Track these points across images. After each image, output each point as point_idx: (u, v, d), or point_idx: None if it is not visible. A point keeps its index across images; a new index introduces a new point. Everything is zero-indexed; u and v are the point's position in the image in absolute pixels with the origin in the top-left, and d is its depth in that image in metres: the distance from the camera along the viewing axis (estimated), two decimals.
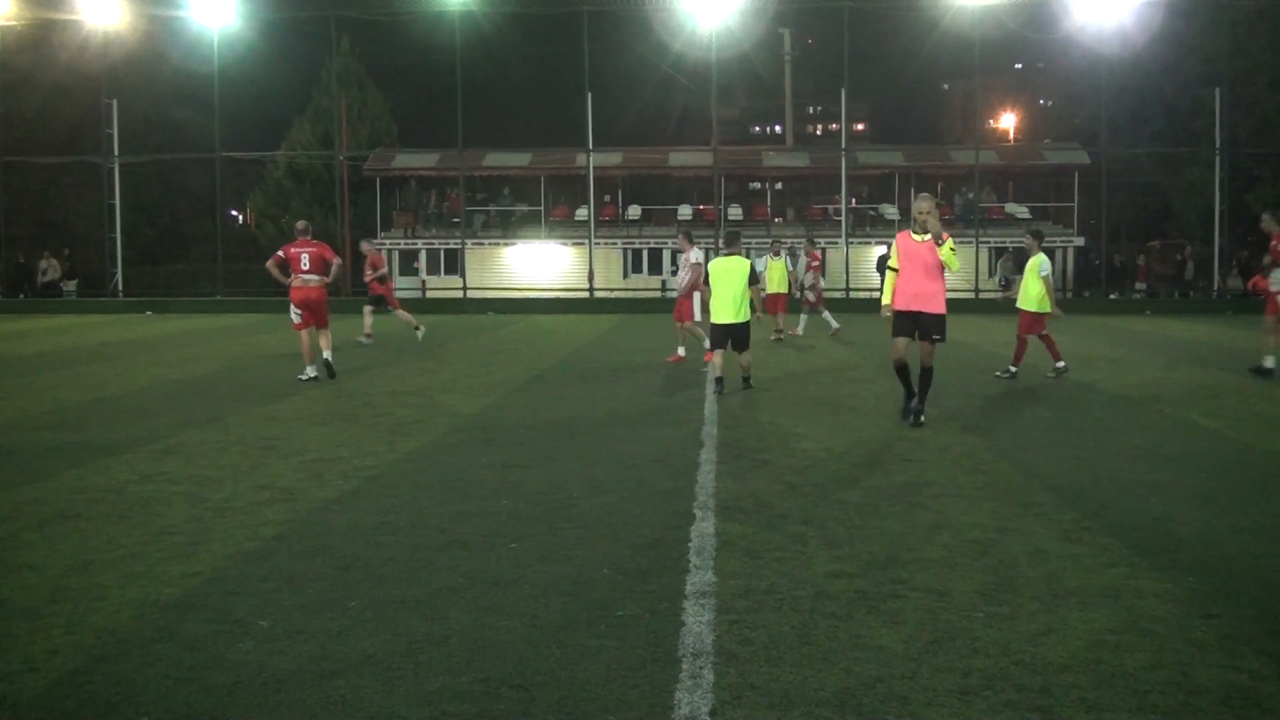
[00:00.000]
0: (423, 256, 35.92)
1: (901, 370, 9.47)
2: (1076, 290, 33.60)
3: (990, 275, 33.65)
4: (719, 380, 11.64)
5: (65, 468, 7.59)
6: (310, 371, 12.82)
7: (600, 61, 36.93)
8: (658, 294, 33.38)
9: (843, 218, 33.00)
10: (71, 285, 35.06)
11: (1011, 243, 34.30)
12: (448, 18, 31.88)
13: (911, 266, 9.28)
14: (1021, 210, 35.29)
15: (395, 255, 36.17)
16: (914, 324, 9.29)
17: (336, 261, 13.37)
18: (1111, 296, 31.59)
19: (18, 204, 36.81)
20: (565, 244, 35.91)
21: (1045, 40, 40.77)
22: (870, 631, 4.26)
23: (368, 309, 18.42)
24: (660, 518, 6.10)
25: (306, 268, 13.02)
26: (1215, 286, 31.26)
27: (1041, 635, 4.22)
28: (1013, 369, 12.98)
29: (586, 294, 32.07)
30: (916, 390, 9.45)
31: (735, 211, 35.97)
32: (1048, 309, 13.04)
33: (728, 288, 11.62)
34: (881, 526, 5.91)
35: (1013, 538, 5.67)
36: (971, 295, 31.00)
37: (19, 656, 4.04)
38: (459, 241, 33.92)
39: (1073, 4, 31.74)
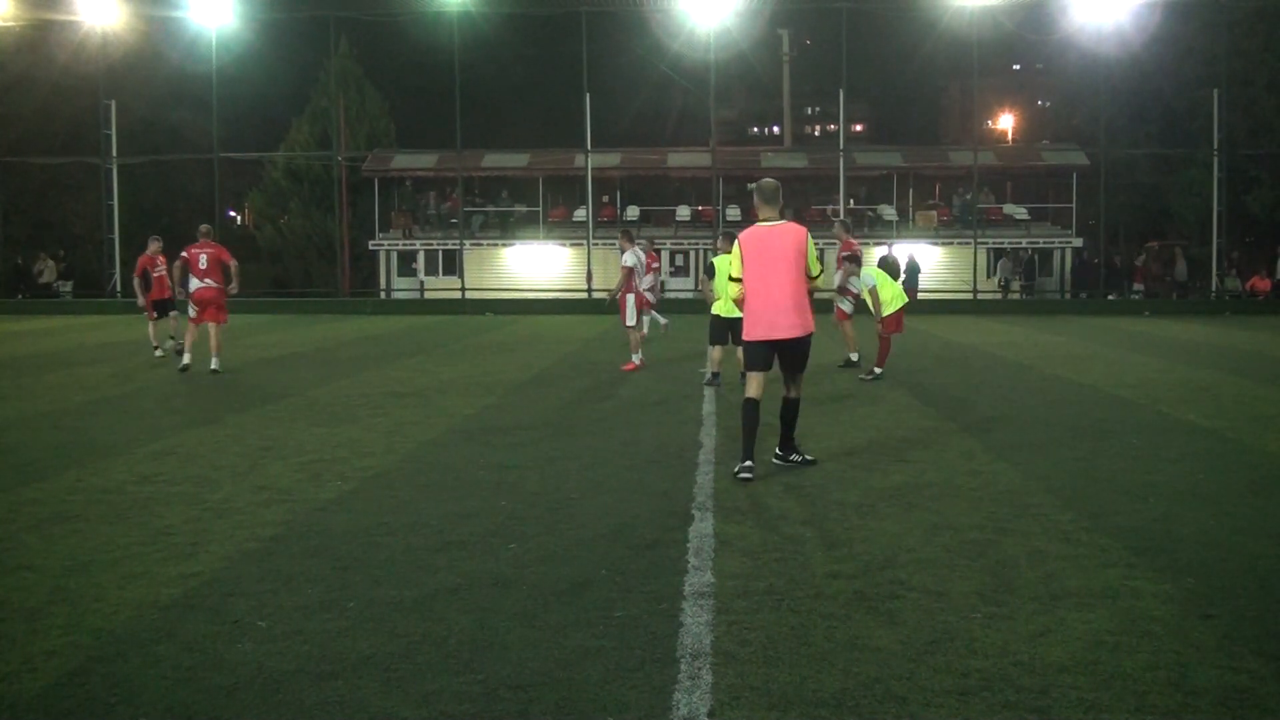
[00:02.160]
0: (421, 257, 35.91)
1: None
2: (1074, 291, 33.63)
3: (989, 276, 33.68)
4: (714, 375, 12.18)
5: (63, 468, 7.58)
6: (186, 358, 13.70)
7: (599, 62, 36.93)
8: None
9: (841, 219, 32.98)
10: (67, 286, 35.03)
11: (1010, 244, 34.38)
12: (446, 19, 31.89)
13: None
14: (1020, 211, 35.32)
15: (394, 256, 36.17)
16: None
17: (234, 264, 14.11)
18: (1110, 297, 31.62)
19: (16, 205, 36.80)
20: (564, 245, 35.91)
21: (1044, 41, 40.79)
22: (868, 632, 4.27)
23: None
24: (659, 518, 6.10)
25: (204, 268, 13.74)
26: (1213, 287, 31.29)
27: (1040, 636, 4.22)
28: (877, 370, 12.97)
29: (585, 295, 32.07)
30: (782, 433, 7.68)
31: (733, 212, 35.95)
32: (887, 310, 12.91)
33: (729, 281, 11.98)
34: (880, 527, 5.92)
35: (1011, 538, 5.67)
36: (970, 296, 31.05)
37: (17, 657, 4.04)
38: (457, 242, 33.92)
39: (1071, 5, 31.78)
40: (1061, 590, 4.80)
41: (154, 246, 16.95)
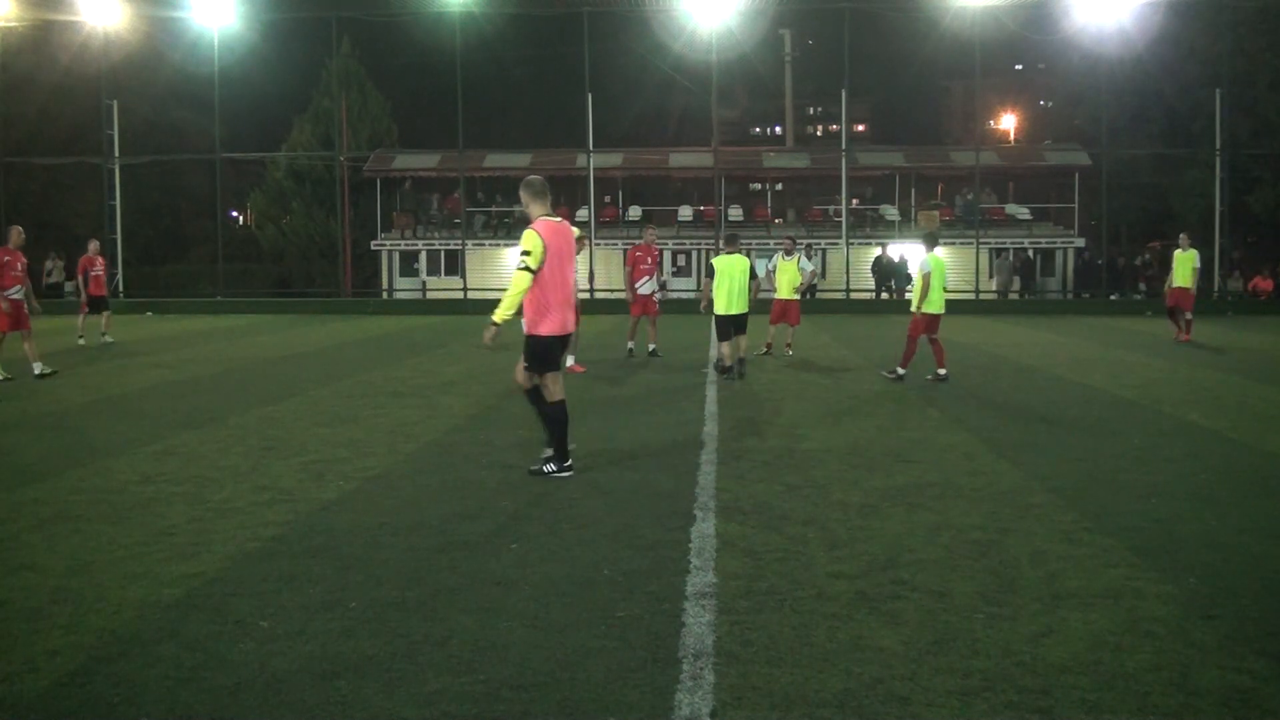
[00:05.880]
0: (423, 258, 35.93)
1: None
2: (1077, 291, 33.60)
3: (990, 277, 33.64)
4: (728, 369, 12.72)
5: (65, 468, 7.59)
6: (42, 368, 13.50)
7: (601, 62, 36.94)
8: (657, 295, 33.31)
9: (843, 219, 33.00)
10: (70, 286, 35.05)
11: (1013, 244, 34.33)
12: (448, 19, 31.87)
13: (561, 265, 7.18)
14: (1022, 211, 35.29)
15: (396, 256, 36.18)
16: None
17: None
18: (1112, 297, 31.60)
19: (18, 205, 36.79)
20: None
21: (1046, 41, 40.75)
22: (871, 632, 4.26)
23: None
24: (661, 518, 6.10)
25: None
26: (1215, 288, 31.25)
27: (1042, 636, 4.22)
28: (900, 370, 12.73)
29: (587, 294, 32.04)
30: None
31: (735, 212, 35.96)
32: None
33: (729, 281, 12.86)
34: (882, 527, 5.91)
35: (1013, 539, 5.67)
36: (972, 296, 31.02)
37: (20, 657, 4.04)
38: (459, 242, 33.92)
39: (1073, 5, 31.75)
40: (1064, 590, 4.79)
41: (94, 247, 19.29)
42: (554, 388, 7.18)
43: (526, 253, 6.92)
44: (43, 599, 4.72)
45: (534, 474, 7.23)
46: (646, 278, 15.66)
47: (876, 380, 12.86)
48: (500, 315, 6.98)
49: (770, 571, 5.07)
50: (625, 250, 35.17)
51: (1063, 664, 3.94)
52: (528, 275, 6.91)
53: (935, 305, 12.69)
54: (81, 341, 17.86)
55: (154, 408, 10.79)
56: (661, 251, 28.23)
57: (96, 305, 18.90)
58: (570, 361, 13.39)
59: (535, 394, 7.25)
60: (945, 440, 8.73)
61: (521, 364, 7.16)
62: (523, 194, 7.26)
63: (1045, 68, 72.83)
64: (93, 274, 18.95)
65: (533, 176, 7.36)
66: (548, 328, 7.03)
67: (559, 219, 7.25)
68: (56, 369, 13.74)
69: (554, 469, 7.22)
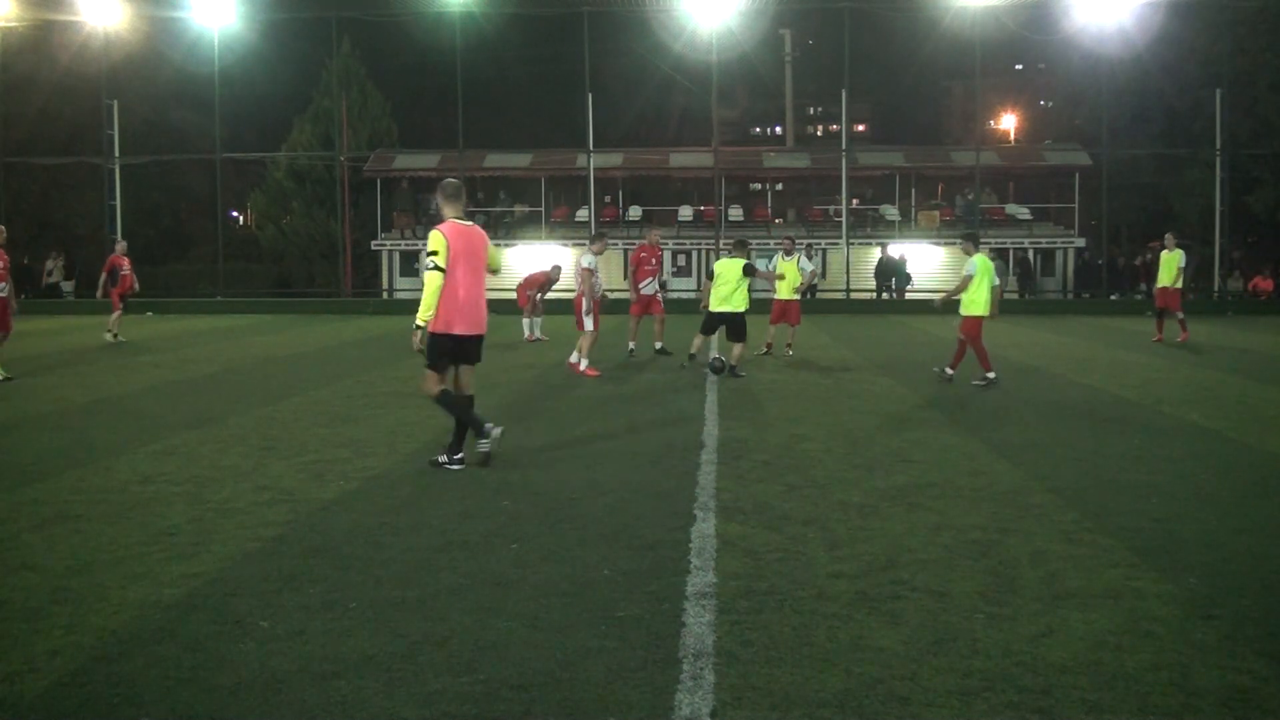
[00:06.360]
0: (423, 257, 35.92)
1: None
2: (1077, 291, 33.59)
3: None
4: (715, 359, 13.36)
5: (65, 468, 7.59)
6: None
7: (601, 62, 36.99)
8: (659, 295, 33.30)
9: (843, 219, 33.00)
10: (69, 286, 35.09)
11: (1013, 244, 34.32)
12: (448, 19, 31.88)
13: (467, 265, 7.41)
14: (1022, 211, 35.27)
15: (396, 256, 36.17)
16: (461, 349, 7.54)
17: None
18: (1112, 297, 31.59)
19: (19, 205, 36.81)
20: (566, 245, 35.90)
21: (1046, 41, 40.75)
22: (871, 632, 4.26)
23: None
24: (661, 518, 6.10)
25: None
26: (1215, 288, 31.25)
27: (1042, 636, 4.22)
28: (990, 375, 12.32)
29: None
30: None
31: (736, 212, 35.93)
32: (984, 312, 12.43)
33: (724, 285, 13.24)
34: (882, 527, 5.91)
35: (1013, 539, 5.67)
36: None
37: (20, 657, 4.04)
38: None
39: (1073, 5, 31.75)
40: (1064, 590, 4.79)
41: (121, 246, 20.21)
42: (434, 380, 7.47)
43: (433, 253, 7.23)
44: (43, 599, 4.72)
45: (432, 464, 7.55)
46: (650, 278, 15.74)
47: (877, 380, 12.86)
48: (422, 317, 7.25)
49: (770, 571, 5.07)
50: (627, 250, 35.33)
51: (1063, 664, 3.94)
52: (439, 274, 7.20)
53: (978, 307, 12.32)
54: (116, 338, 18.71)
55: (154, 408, 10.79)
56: (663, 252, 28.27)
57: (123, 302, 19.69)
58: (583, 365, 13.52)
59: (445, 396, 7.53)
60: (945, 440, 8.73)
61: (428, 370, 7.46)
62: (438, 197, 7.59)
63: (1045, 68, 72.87)
64: (122, 273, 19.63)
65: (448, 180, 7.71)
66: (446, 326, 7.31)
67: (470, 223, 7.56)
68: (14, 376, 13.13)
69: (445, 460, 7.51)
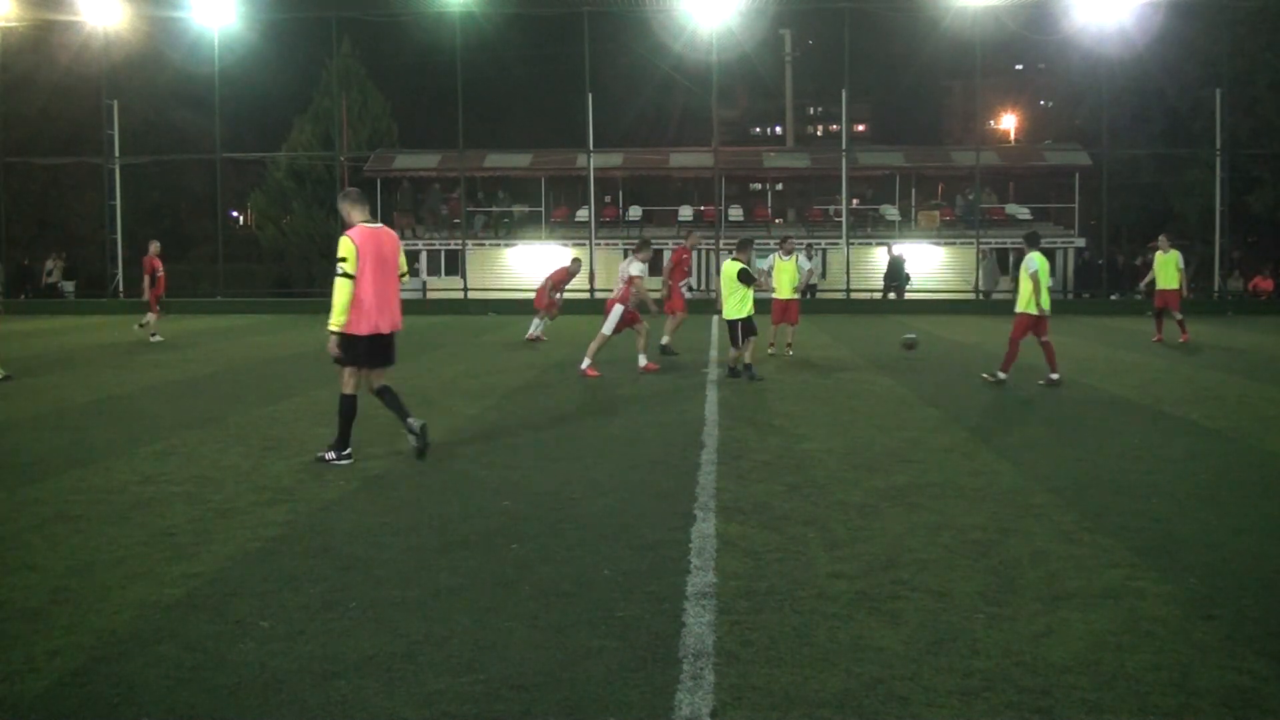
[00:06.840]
0: (423, 257, 35.91)
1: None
2: (1077, 291, 33.59)
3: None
4: (748, 366, 12.91)
5: (66, 468, 7.58)
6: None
7: (601, 62, 36.98)
8: (658, 295, 33.32)
9: (843, 219, 33.00)
10: (69, 286, 35.10)
11: (1012, 243, 34.31)
12: (448, 19, 31.86)
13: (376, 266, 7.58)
14: (1022, 211, 35.27)
15: None
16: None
17: None
18: (1112, 297, 31.59)
19: (19, 205, 36.82)
20: (566, 245, 35.90)
21: (1046, 41, 40.74)
22: (871, 632, 4.26)
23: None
24: (661, 519, 6.10)
25: None
26: (1215, 287, 31.24)
27: (1042, 636, 4.22)
28: (1001, 374, 12.33)
29: (587, 295, 32.04)
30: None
31: (736, 212, 35.94)
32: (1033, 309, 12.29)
33: (730, 291, 13.05)
34: (882, 527, 5.91)
35: (1013, 539, 5.67)
36: (972, 296, 31.03)
37: (20, 657, 4.04)
38: (459, 242, 33.91)
39: (1073, 5, 31.75)
40: (1064, 591, 4.79)
41: (154, 248, 20.16)
42: (350, 382, 7.67)
43: (342, 259, 7.41)
44: (43, 599, 4.72)
45: (317, 460, 7.77)
46: (686, 279, 16.27)
47: (877, 380, 12.85)
48: (334, 324, 7.44)
49: (770, 571, 5.07)
50: (626, 250, 35.31)
51: (1063, 664, 3.94)
52: (348, 281, 7.38)
53: (1033, 304, 12.23)
54: (157, 338, 19.22)
55: (154, 408, 10.79)
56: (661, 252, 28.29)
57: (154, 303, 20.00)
58: (643, 361, 13.95)
59: (384, 392, 7.80)
60: (945, 440, 8.73)
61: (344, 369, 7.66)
62: (341, 205, 7.77)
63: (1045, 68, 72.88)
64: (158, 275, 19.93)
65: (350, 188, 8.11)
66: (355, 327, 7.46)
67: (378, 225, 7.73)
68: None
69: (333, 456, 7.74)
